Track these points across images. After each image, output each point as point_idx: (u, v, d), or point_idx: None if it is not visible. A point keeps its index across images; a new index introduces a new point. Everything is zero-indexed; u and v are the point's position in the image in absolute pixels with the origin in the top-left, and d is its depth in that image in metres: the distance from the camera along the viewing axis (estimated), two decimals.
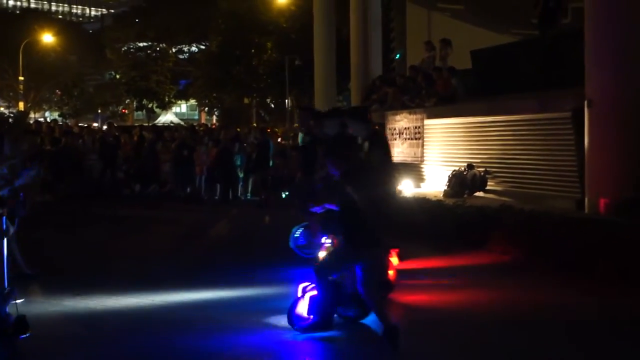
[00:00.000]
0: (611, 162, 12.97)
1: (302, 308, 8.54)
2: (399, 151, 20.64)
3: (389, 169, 10.13)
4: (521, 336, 8.57)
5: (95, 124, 46.63)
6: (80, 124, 42.41)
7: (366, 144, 9.64)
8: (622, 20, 13.11)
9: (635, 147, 13.00)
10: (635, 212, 12.22)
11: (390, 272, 10.04)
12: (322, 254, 9.57)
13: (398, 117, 20.96)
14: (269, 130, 29.08)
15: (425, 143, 19.58)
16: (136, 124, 49.43)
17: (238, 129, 29.61)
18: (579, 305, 9.98)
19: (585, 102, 13.23)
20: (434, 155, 19.30)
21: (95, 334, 9.00)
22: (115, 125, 33.32)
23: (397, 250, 10.55)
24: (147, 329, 9.03)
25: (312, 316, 8.47)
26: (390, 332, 7.88)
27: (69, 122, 53.53)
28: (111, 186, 24.94)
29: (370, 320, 8.60)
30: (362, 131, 10.23)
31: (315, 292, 8.44)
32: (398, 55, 29.99)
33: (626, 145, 12.97)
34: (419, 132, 19.78)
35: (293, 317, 8.53)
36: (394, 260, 10.41)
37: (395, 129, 21.03)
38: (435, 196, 16.48)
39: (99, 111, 63.83)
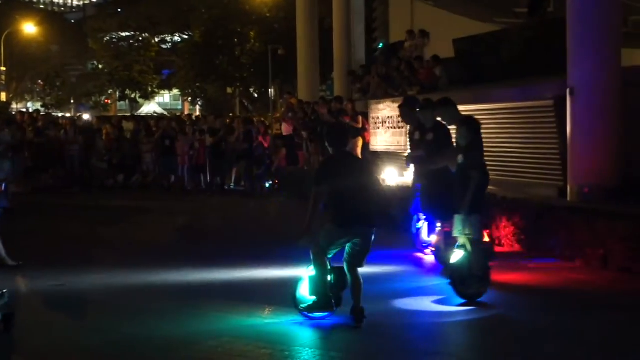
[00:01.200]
0: (593, 150, 13.02)
1: (304, 289, 8.66)
2: (383, 140, 20.67)
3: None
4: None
5: (86, 115, 46.15)
6: (62, 114, 42.22)
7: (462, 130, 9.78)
8: (604, 9, 13.15)
9: (617, 135, 13.07)
10: (617, 200, 12.31)
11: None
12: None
13: (381, 106, 20.97)
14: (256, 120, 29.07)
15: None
16: (119, 114, 49.32)
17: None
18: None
19: (568, 91, 13.27)
20: None
21: (80, 323, 9.01)
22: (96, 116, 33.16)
23: (487, 230, 10.68)
24: (132, 317, 9.05)
25: (313, 297, 8.59)
26: (358, 311, 8.31)
27: (52, 112, 53.25)
28: (92, 176, 24.86)
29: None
30: (453, 120, 10.67)
31: (313, 273, 8.57)
32: (381, 45, 29.95)
33: (608, 133, 13.04)
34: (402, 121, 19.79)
35: (296, 299, 8.65)
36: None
37: (378, 117, 21.04)
38: None
39: (83, 102, 63.47)
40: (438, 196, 10.84)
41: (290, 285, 8.84)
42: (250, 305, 9.35)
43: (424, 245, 12.01)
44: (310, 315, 8.59)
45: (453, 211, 9.60)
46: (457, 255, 9.44)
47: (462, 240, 9.40)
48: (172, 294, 10.15)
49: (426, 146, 11.37)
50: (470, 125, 9.68)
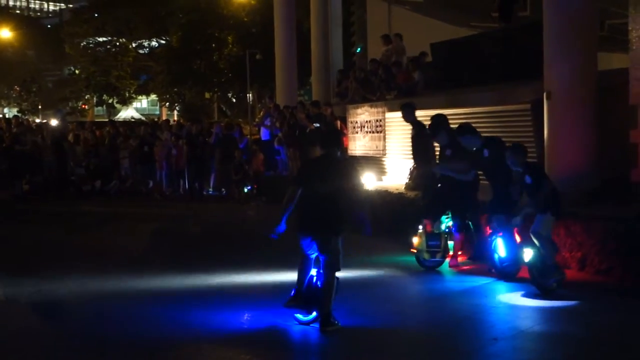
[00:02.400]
0: (571, 153, 13.09)
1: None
2: (361, 144, 20.69)
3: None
4: None
5: (53, 121, 45.67)
6: (38, 121, 41.93)
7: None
8: (579, 13, 13.22)
9: (594, 138, 13.15)
10: (592, 202, 12.37)
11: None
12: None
13: (359, 111, 20.99)
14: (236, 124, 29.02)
15: (386, 136, 19.62)
16: (97, 120, 49.08)
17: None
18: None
19: (544, 94, 13.34)
20: (395, 148, 19.35)
21: (56, 329, 8.96)
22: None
23: (516, 229, 10.96)
24: (110, 323, 9.01)
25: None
26: (323, 316, 8.32)
27: (29, 118, 52.91)
28: (67, 182, 24.73)
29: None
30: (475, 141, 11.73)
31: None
32: (359, 49, 30.01)
33: (585, 136, 13.11)
34: (381, 125, 19.82)
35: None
36: (517, 238, 10.90)
37: (356, 122, 21.06)
38: (397, 189, 16.53)
39: (59, 107, 63.14)
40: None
41: (269, 290, 8.88)
42: (230, 311, 9.33)
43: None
44: (290, 309, 8.64)
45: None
46: (529, 253, 10.17)
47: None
48: (150, 300, 10.10)
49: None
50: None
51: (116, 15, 54.15)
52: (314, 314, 8.52)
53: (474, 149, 11.69)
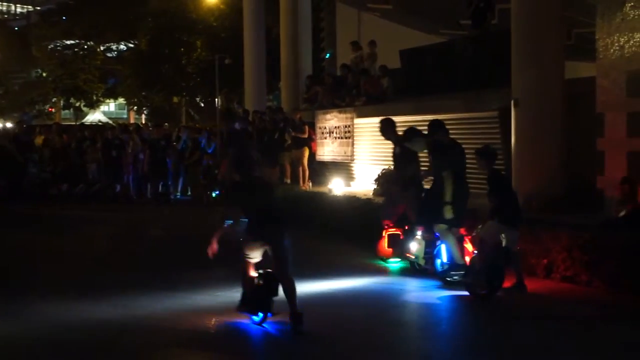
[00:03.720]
0: (538, 160, 13.21)
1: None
2: (330, 150, 20.71)
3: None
4: None
5: (8, 124, 45.28)
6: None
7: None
8: (546, 22, 13.35)
9: (561, 145, 13.27)
10: (559, 209, 12.47)
11: (467, 259, 10.94)
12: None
13: (328, 116, 21.02)
14: (203, 129, 28.93)
15: (355, 142, 19.66)
16: (64, 123, 48.66)
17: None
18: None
19: (512, 102, 13.44)
20: (364, 154, 19.40)
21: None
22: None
23: (470, 237, 11.13)
24: (76, 327, 8.93)
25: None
26: (295, 316, 8.58)
27: None
28: (32, 185, 24.50)
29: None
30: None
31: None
32: (328, 55, 30.06)
33: (552, 143, 13.23)
34: (349, 131, 19.87)
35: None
36: (469, 246, 11.03)
37: (325, 127, 21.09)
38: (364, 195, 16.56)
39: (26, 110, 62.58)
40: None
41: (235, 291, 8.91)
42: (197, 315, 9.29)
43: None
44: (241, 312, 9.02)
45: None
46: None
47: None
48: (116, 305, 10.00)
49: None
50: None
51: (84, 18, 53.86)
52: (261, 314, 8.81)
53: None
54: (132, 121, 58.94)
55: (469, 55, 17.34)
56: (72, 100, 59.63)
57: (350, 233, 14.84)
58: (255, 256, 8.88)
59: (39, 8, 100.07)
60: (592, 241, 10.60)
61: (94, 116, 67.33)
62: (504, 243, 10.38)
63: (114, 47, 60.93)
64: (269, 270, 8.85)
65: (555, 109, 13.25)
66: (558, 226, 11.34)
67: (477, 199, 11.79)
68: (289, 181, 20.47)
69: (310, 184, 19.79)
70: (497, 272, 10.16)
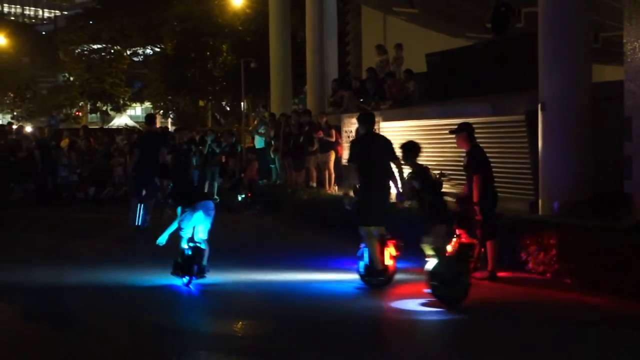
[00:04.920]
0: (564, 164, 13.15)
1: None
2: None
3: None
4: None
5: (28, 128, 45.54)
6: (29, 129, 41.70)
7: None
8: (574, 24, 13.30)
9: (588, 150, 13.20)
10: (586, 214, 12.40)
11: (390, 262, 11.23)
12: None
13: (354, 120, 20.97)
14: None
15: None
16: (90, 127, 48.94)
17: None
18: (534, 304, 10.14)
19: (539, 105, 13.39)
20: None
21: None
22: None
23: (394, 241, 11.22)
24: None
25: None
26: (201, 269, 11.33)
27: (23, 125, 52.82)
28: (60, 189, 24.66)
29: None
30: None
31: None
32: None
33: (579, 147, 13.16)
34: None
35: None
36: (392, 250, 11.17)
37: (351, 131, 21.05)
38: (391, 199, 16.50)
39: (53, 114, 63.00)
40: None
41: None
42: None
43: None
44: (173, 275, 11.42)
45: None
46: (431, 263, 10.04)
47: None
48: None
49: None
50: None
51: (111, 22, 54.16)
52: (187, 278, 11.28)
53: None
54: (158, 125, 59.16)
55: (496, 58, 17.28)
56: (98, 104, 59.98)
57: None
58: (189, 231, 11.31)
59: (66, 13, 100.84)
60: (621, 245, 10.52)
61: (121, 120, 67.68)
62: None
63: (140, 51, 61.21)
64: (198, 243, 11.28)
65: (582, 112, 13.19)
66: (585, 231, 11.28)
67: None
68: (314, 185, 20.48)
69: (337, 187, 19.80)
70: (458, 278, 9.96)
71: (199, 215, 11.25)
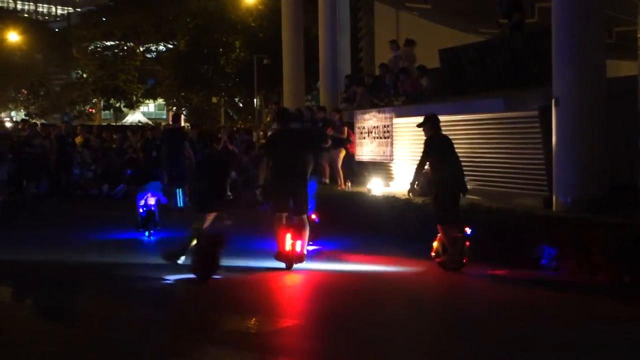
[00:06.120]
0: (578, 160, 13.09)
1: None
2: (368, 150, 20.68)
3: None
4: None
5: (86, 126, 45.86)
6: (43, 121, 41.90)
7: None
8: (587, 19, 13.24)
9: (602, 145, 13.14)
10: (601, 210, 12.35)
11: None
12: None
13: (367, 116, 20.99)
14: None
15: (394, 142, 19.62)
16: (103, 124, 49.12)
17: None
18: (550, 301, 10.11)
19: (553, 101, 13.35)
20: (403, 154, 19.35)
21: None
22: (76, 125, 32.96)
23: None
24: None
25: None
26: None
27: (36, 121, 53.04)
28: (74, 186, 24.71)
29: None
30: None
31: None
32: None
33: (593, 143, 13.11)
34: (388, 131, 19.83)
35: None
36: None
37: (364, 127, 21.06)
38: (404, 195, 16.48)
39: (67, 111, 63.27)
40: None
41: None
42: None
43: None
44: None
45: None
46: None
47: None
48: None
49: None
50: None
51: (124, 19, 54.33)
52: (147, 232, 15.33)
53: None
54: (170, 121, 59.28)
55: (509, 54, 17.22)
56: (112, 100, 60.25)
57: (388, 233, 14.83)
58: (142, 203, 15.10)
59: (79, 9, 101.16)
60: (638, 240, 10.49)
61: (134, 117, 67.93)
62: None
63: (153, 48, 61.42)
64: (152, 207, 15.03)
65: (596, 108, 13.13)
66: (599, 226, 11.24)
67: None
68: (327, 181, 20.46)
69: (350, 184, 19.77)
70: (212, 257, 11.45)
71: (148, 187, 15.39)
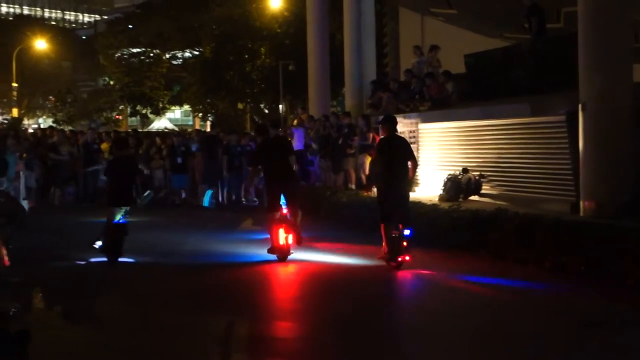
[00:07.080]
0: (606, 165, 13.03)
1: None
2: None
3: None
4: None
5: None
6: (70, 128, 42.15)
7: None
8: (614, 24, 13.19)
9: (629, 150, 13.07)
10: (628, 215, 12.28)
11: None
12: None
13: None
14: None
15: (420, 147, 19.62)
16: (130, 130, 49.36)
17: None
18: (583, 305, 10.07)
19: (580, 106, 13.30)
20: (429, 159, 19.35)
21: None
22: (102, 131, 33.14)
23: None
24: None
25: None
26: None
27: (64, 128, 53.40)
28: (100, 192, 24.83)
29: None
30: None
31: None
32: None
33: (620, 148, 13.04)
34: (414, 137, 19.83)
35: None
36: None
37: None
38: (430, 200, 16.49)
39: (94, 117, 63.68)
40: None
41: None
42: None
43: None
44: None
45: None
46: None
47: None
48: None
49: None
50: None
51: (150, 26, 54.61)
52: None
53: None
54: (197, 127, 59.53)
55: (535, 59, 17.16)
56: (138, 107, 60.54)
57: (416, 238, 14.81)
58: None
59: (105, 17, 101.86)
60: None
61: (160, 123, 68.17)
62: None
63: (179, 55, 61.64)
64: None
65: (623, 112, 13.08)
66: (628, 232, 11.16)
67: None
68: (353, 187, 20.46)
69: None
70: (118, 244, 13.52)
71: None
